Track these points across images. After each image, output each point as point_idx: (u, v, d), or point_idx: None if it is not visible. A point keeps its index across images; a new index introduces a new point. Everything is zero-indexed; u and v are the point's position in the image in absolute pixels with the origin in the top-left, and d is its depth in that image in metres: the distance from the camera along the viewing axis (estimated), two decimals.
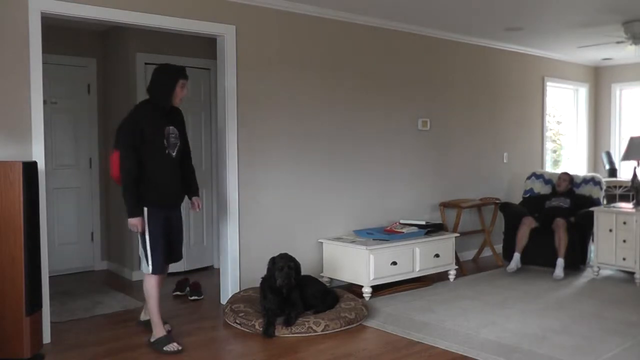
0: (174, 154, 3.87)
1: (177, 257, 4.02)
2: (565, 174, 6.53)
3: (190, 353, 3.79)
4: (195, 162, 6.22)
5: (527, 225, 6.09)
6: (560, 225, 5.91)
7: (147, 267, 3.80)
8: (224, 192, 4.88)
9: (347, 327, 4.24)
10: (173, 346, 3.78)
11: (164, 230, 3.82)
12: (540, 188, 6.80)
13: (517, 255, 6.01)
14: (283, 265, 4.23)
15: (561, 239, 5.86)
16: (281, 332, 4.07)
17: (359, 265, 5.03)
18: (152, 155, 3.76)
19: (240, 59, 4.85)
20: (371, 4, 5.20)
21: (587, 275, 5.94)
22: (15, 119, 3.83)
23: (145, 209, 3.77)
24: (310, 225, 5.37)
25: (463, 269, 6.15)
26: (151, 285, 3.85)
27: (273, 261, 4.31)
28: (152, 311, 3.88)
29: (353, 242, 5.19)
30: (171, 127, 3.86)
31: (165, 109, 3.85)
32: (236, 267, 4.88)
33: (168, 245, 3.88)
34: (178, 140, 3.91)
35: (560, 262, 5.82)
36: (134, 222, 3.74)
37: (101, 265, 6.37)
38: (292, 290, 4.26)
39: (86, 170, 6.30)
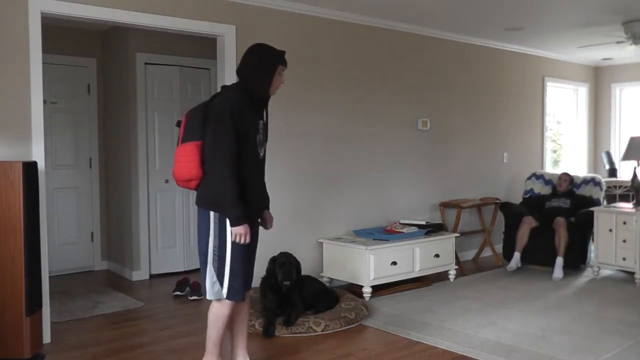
0: (261, 154, 3.18)
1: (251, 282, 3.25)
2: (566, 174, 6.53)
3: (191, 353, 3.79)
4: None
5: (528, 224, 6.09)
6: (560, 224, 5.91)
7: (221, 290, 3.03)
8: None
9: (347, 327, 4.24)
10: None
11: (247, 248, 3.05)
12: (541, 188, 6.80)
13: (517, 255, 6.01)
14: (284, 261, 4.25)
15: (561, 238, 5.86)
16: (281, 332, 4.08)
17: (359, 265, 5.03)
18: (245, 155, 3.02)
19: (240, 59, 4.84)
20: (371, 4, 5.20)
21: (587, 275, 5.94)
22: (15, 119, 3.83)
23: (229, 221, 3.00)
24: (310, 225, 5.37)
25: (463, 269, 6.15)
26: (223, 313, 3.08)
27: (273, 260, 4.33)
28: (212, 341, 3.14)
29: (353, 242, 5.19)
30: (261, 122, 3.18)
31: (260, 99, 3.15)
32: None
33: (248, 267, 3.15)
34: (265, 138, 3.23)
35: (559, 261, 5.82)
36: (241, 230, 2.94)
37: (101, 265, 6.37)
38: (292, 290, 4.26)
39: (86, 170, 6.30)
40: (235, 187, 2.90)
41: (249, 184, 3.03)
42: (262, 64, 3.10)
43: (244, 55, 3.15)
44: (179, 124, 3.17)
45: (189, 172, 3.01)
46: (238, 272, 3.02)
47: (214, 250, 3.01)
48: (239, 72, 3.15)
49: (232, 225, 2.93)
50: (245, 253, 3.04)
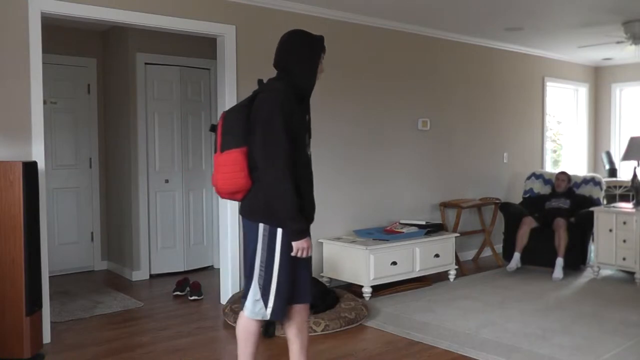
0: (309, 153, 2.83)
1: (304, 297, 2.86)
2: (563, 173, 6.50)
3: (190, 353, 3.79)
4: (195, 162, 6.34)
5: (528, 225, 6.09)
6: (560, 225, 5.91)
7: (264, 310, 2.73)
8: None
9: (347, 327, 4.24)
10: None
11: (297, 264, 2.75)
12: (540, 188, 6.80)
13: (517, 255, 6.01)
14: None
15: (561, 239, 5.86)
16: (281, 332, 4.08)
17: (359, 265, 5.03)
18: (297, 158, 2.69)
19: (240, 59, 4.85)
20: (371, 3, 5.20)
21: (587, 275, 5.94)
22: (15, 119, 3.83)
23: (280, 232, 2.68)
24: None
25: (463, 269, 6.15)
26: (253, 330, 2.82)
27: None
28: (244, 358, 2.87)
29: (353, 242, 5.19)
30: (308, 116, 2.84)
31: (306, 93, 2.81)
32: (236, 267, 4.88)
33: (294, 282, 2.78)
34: (310, 135, 2.88)
35: (559, 261, 5.82)
36: (304, 244, 2.65)
37: (101, 265, 6.37)
38: None
39: (86, 170, 6.30)
40: (295, 197, 2.59)
41: (302, 191, 2.68)
42: (308, 54, 2.78)
43: (284, 46, 2.83)
44: (213, 128, 2.82)
45: (236, 183, 2.68)
46: (283, 291, 2.72)
47: (260, 266, 2.71)
48: (280, 64, 2.83)
49: (293, 239, 2.64)
50: (293, 270, 2.73)
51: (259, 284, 2.71)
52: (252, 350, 2.85)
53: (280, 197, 2.58)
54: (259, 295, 2.72)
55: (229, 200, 4.79)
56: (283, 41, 2.84)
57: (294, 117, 2.66)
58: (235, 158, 2.65)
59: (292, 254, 2.68)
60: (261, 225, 2.70)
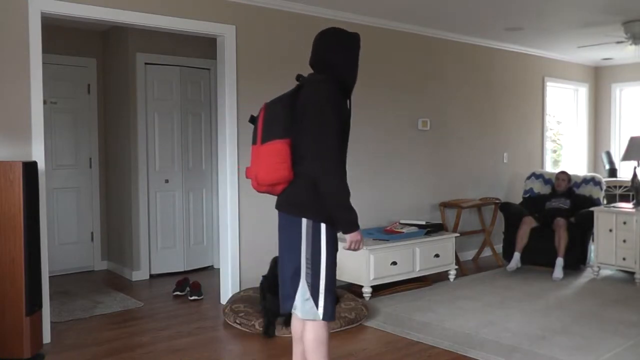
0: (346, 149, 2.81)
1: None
2: (563, 173, 6.49)
3: (190, 353, 3.79)
4: (195, 162, 6.34)
5: (528, 224, 6.09)
6: (560, 225, 5.91)
7: (316, 310, 2.65)
8: (224, 192, 4.88)
9: (347, 327, 4.24)
10: None
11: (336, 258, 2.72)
12: (540, 188, 6.79)
13: (517, 255, 6.01)
14: None
15: (561, 238, 5.86)
16: (281, 332, 4.08)
17: (359, 265, 5.03)
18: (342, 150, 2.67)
19: (240, 59, 4.85)
20: (371, 3, 5.20)
21: (587, 275, 5.94)
22: (15, 119, 3.83)
23: (324, 227, 2.63)
24: None
25: (463, 269, 6.15)
26: (324, 336, 2.69)
27: (275, 260, 4.31)
28: None
29: None
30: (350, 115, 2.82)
31: (350, 89, 2.79)
32: (236, 267, 4.88)
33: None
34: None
35: (559, 261, 5.82)
36: (357, 236, 2.63)
37: (101, 265, 6.37)
38: None
39: (86, 170, 6.30)
40: (348, 188, 2.57)
41: None
42: (350, 50, 2.75)
43: (324, 43, 2.76)
44: (253, 119, 2.78)
45: (279, 174, 2.60)
46: (332, 288, 2.66)
47: (307, 263, 2.63)
48: (320, 61, 2.75)
49: (346, 231, 2.60)
50: (335, 267, 2.70)
51: (307, 282, 2.63)
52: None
53: (334, 187, 2.53)
54: (308, 294, 2.64)
55: (229, 201, 4.81)
56: (321, 39, 2.77)
57: (342, 110, 2.64)
58: (279, 149, 2.58)
59: (346, 247, 2.63)
60: (304, 220, 2.62)
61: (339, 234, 2.69)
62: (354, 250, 2.65)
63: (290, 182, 2.64)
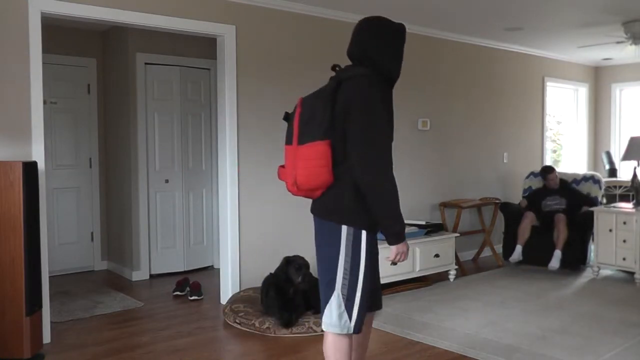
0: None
1: (380, 304, 2.73)
2: (548, 171, 6.36)
3: (190, 353, 3.79)
4: (195, 162, 6.33)
5: (529, 219, 6.10)
6: (560, 220, 5.93)
7: (349, 323, 2.45)
8: (224, 192, 4.88)
9: None
10: None
11: (375, 267, 2.58)
12: (539, 186, 6.78)
13: (519, 247, 6.02)
14: (302, 263, 4.23)
15: (560, 232, 5.87)
16: (281, 332, 4.08)
17: None
18: None
19: (240, 59, 4.85)
20: (371, 3, 5.20)
21: (587, 275, 5.94)
22: (15, 119, 3.83)
23: (364, 234, 2.45)
24: (310, 225, 5.35)
25: (463, 269, 6.15)
26: (346, 347, 2.50)
27: (288, 261, 4.29)
28: None
29: None
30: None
31: (394, 81, 2.62)
32: (236, 267, 4.88)
33: (373, 289, 2.58)
34: None
35: (557, 253, 5.82)
36: (404, 248, 2.47)
37: (101, 265, 6.37)
38: (297, 292, 4.26)
39: (86, 170, 6.30)
40: (398, 195, 2.40)
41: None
42: (394, 40, 2.54)
43: (373, 34, 2.55)
44: (287, 117, 2.55)
45: (319, 178, 2.37)
46: (366, 300, 2.46)
47: (344, 273, 2.42)
48: (361, 52, 2.52)
49: (394, 242, 2.42)
50: (373, 276, 2.54)
51: (342, 294, 2.43)
52: None
53: (388, 195, 2.38)
54: (343, 307, 2.43)
55: (229, 201, 4.81)
56: (365, 30, 2.56)
57: (390, 109, 2.48)
58: (320, 151, 2.34)
59: (390, 258, 2.46)
60: (344, 228, 2.43)
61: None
62: (399, 262, 2.49)
63: (332, 186, 2.42)
